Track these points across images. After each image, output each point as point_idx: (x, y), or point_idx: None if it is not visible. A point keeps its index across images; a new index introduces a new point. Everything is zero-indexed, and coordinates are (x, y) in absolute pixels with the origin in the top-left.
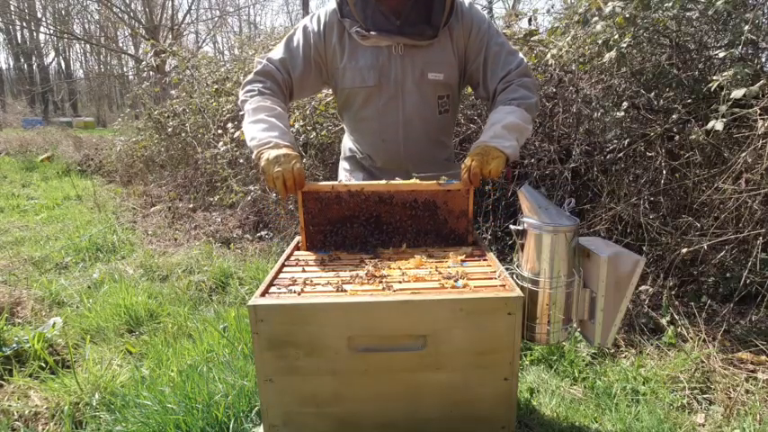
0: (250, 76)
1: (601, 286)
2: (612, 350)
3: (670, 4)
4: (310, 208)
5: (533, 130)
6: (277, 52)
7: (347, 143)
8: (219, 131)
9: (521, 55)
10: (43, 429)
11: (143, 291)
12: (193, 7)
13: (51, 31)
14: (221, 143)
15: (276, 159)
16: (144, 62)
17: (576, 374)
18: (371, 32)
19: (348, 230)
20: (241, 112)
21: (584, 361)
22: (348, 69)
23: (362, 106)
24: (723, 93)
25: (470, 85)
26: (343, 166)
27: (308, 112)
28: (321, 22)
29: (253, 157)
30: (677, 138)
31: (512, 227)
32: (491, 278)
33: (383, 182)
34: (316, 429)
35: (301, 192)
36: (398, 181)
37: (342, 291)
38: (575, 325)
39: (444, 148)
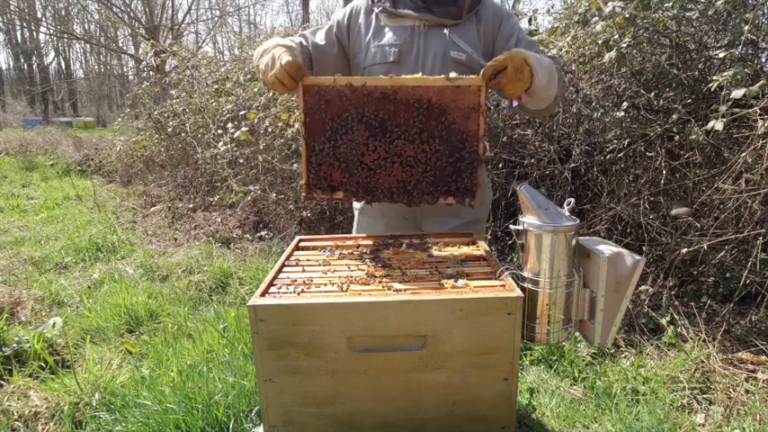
0: None
1: (601, 286)
2: (612, 350)
3: (670, 4)
4: (311, 103)
5: (533, 131)
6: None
7: None
8: (219, 131)
9: None
10: (43, 429)
11: (143, 291)
12: (193, 7)
13: (51, 31)
14: (221, 143)
15: (266, 66)
16: (144, 62)
17: (576, 374)
18: (398, 10)
19: (350, 129)
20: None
21: (584, 361)
22: (371, 46)
23: None
24: (723, 93)
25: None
26: None
27: None
28: (350, 7)
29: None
30: (677, 138)
31: (512, 227)
32: (491, 278)
33: (387, 77)
34: (315, 429)
35: (302, 85)
36: (403, 76)
37: (342, 291)
38: (574, 325)
39: None
